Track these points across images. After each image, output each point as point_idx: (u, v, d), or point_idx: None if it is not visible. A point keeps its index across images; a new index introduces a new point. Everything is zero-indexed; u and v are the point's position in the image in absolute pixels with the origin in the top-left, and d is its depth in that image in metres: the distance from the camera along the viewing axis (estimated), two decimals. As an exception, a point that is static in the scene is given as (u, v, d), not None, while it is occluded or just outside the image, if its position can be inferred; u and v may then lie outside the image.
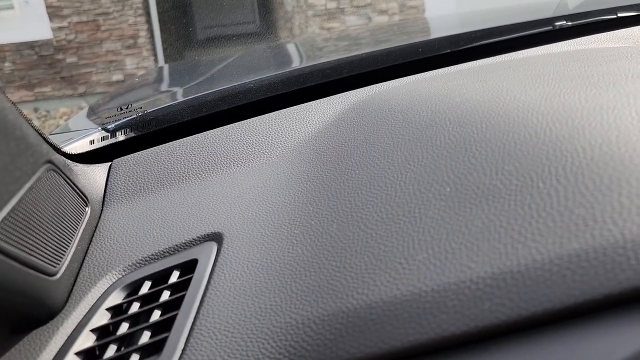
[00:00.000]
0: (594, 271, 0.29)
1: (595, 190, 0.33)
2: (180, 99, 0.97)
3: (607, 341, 0.27)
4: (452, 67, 0.81)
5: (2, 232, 0.40)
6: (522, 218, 0.34)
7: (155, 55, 6.13)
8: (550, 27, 0.94)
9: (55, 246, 0.49)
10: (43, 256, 0.46)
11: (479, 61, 0.83)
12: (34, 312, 0.47)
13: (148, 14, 6.07)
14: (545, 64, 0.60)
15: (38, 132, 0.51)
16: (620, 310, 0.28)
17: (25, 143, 0.46)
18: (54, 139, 0.60)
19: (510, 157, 0.39)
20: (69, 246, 0.51)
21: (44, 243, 0.46)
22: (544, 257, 0.31)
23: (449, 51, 0.88)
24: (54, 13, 5.98)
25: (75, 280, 0.52)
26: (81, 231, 0.55)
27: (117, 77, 6.12)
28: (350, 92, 0.76)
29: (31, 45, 6.04)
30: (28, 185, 0.45)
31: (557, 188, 0.35)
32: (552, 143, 0.38)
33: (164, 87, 1.34)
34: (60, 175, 0.53)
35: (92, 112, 1.07)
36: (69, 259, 0.51)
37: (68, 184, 0.55)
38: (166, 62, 6.12)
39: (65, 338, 0.46)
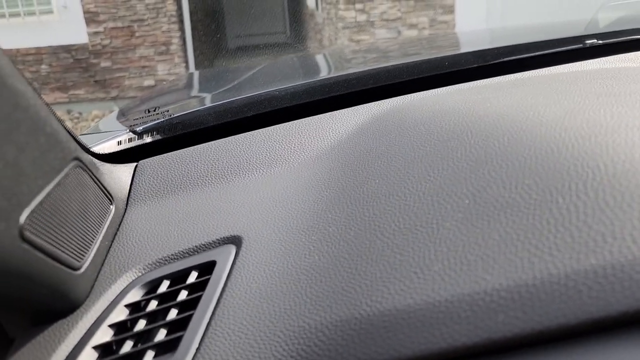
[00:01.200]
0: (611, 287, 0.29)
1: (615, 207, 0.32)
2: (207, 104, 0.99)
3: (621, 359, 0.27)
4: (478, 82, 0.81)
5: (30, 224, 0.41)
6: (539, 232, 0.34)
7: (187, 61, 6.25)
8: (580, 45, 0.93)
9: (80, 241, 0.50)
10: (68, 250, 0.47)
11: (505, 76, 0.82)
12: (56, 304, 0.48)
13: (181, 21, 6.19)
14: (572, 81, 0.59)
15: (68, 131, 0.52)
16: (636, 328, 0.28)
17: (55, 139, 0.48)
18: (84, 139, 0.62)
19: (530, 171, 0.39)
20: (92, 242, 0.53)
21: (69, 237, 0.48)
22: (560, 272, 0.31)
23: (475, 65, 0.87)
24: (90, 18, 6.16)
25: (97, 276, 0.53)
26: (105, 228, 0.57)
27: (149, 82, 6.24)
28: (374, 102, 0.76)
29: (67, 49, 6.22)
30: (56, 180, 0.46)
31: (577, 203, 0.34)
32: (574, 158, 0.38)
33: (192, 92, 1.37)
34: (87, 173, 0.55)
35: (121, 114, 1.10)
36: (92, 254, 0.52)
37: (94, 181, 0.56)
38: (197, 68, 6.23)
39: (84, 331, 0.47)
